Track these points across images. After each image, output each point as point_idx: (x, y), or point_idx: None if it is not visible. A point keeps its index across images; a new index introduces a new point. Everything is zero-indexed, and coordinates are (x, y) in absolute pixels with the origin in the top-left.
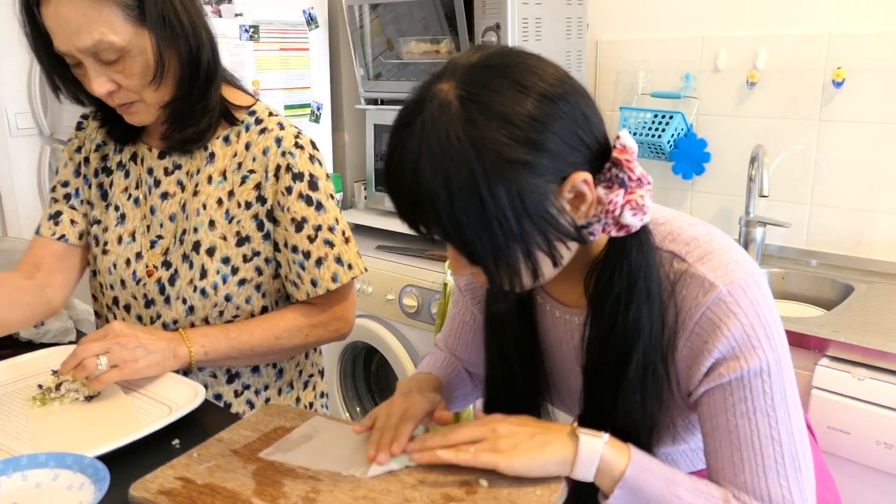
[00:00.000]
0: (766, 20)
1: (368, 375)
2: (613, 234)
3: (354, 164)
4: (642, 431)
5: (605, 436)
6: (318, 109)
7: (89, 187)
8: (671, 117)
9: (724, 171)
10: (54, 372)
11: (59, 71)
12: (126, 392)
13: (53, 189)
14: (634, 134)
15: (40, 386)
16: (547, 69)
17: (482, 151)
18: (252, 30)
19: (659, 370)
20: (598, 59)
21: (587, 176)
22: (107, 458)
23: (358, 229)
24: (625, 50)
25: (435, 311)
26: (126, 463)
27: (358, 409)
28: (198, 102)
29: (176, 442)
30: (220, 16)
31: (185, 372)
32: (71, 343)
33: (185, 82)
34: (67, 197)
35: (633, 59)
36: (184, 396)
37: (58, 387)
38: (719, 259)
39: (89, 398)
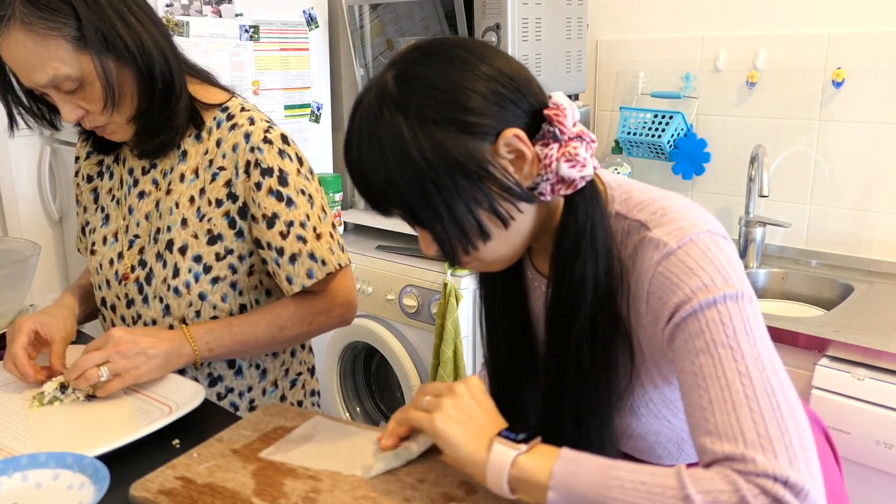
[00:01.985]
0: (766, 20)
1: (368, 375)
2: (563, 192)
3: None
4: (601, 390)
5: (523, 446)
6: (318, 109)
7: (83, 192)
8: (671, 117)
9: (724, 171)
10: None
11: (32, 98)
12: (126, 392)
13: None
14: (634, 134)
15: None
16: (478, 47)
17: (408, 114)
18: (252, 30)
19: (608, 326)
20: (598, 59)
21: (518, 132)
22: (107, 458)
23: (358, 229)
24: (625, 50)
25: (435, 311)
26: (126, 463)
27: (358, 409)
28: (161, 114)
29: (176, 442)
30: (220, 16)
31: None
32: (73, 344)
33: (144, 98)
34: (79, 212)
35: (633, 59)
36: (184, 396)
37: (62, 388)
38: (674, 219)
39: (90, 398)
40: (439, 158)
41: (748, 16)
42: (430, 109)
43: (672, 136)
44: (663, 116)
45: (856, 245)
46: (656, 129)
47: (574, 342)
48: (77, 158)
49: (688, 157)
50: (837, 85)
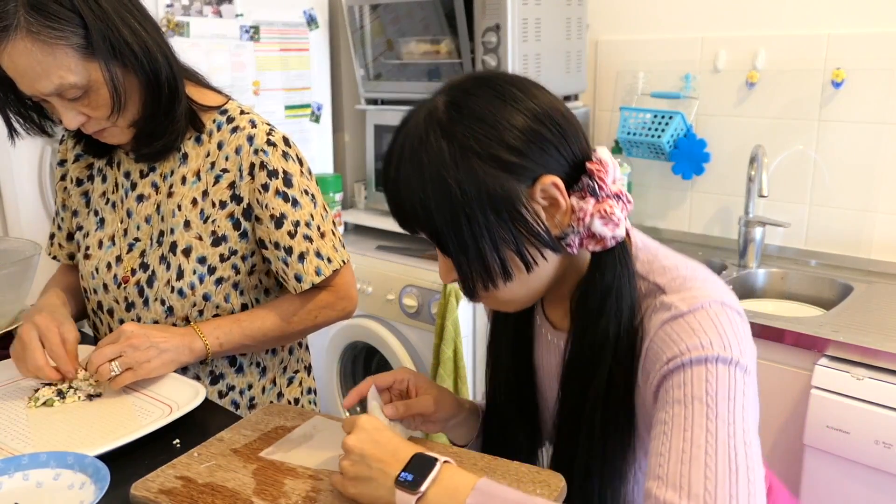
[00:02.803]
0: (766, 20)
1: (368, 375)
2: (591, 248)
3: (354, 164)
4: (608, 452)
5: (422, 486)
6: (319, 110)
7: (70, 196)
8: (671, 117)
9: (724, 171)
10: (50, 384)
11: (25, 106)
12: (127, 391)
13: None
14: (634, 134)
15: (38, 390)
16: (529, 86)
17: (452, 142)
18: (252, 30)
19: (623, 387)
20: (598, 59)
21: (557, 180)
22: (107, 458)
23: (358, 229)
24: (625, 50)
25: (435, 311)
26: (127, 462)
27: (358, 409)
28: (163, 120)
29: (176, 441)
30: (221, 16)
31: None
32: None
33: (149, 104)
34: (56, 214)
35: (633, 59)
36: (184, 396)
37: (60, 393)
38: (692, 287)
39: (91, 397)
40: (475, 191)
41: (748, 16)
42: (475, 141)
43: (672, 136)
44: (663, 116)
45: (855, 245)
46: (656, 130)
47: (590, 402)
48: (63, 162)
49: (687, 157)
50: (837, 85)
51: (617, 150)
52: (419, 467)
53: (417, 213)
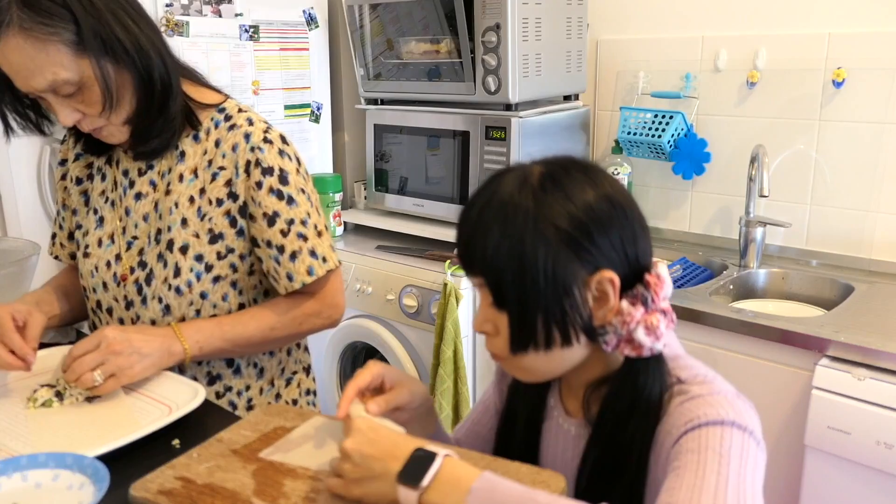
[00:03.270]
0: (766, 20)
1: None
2: (626, 352)
3: (354, 164)
4: None
5: (424, 482)
6: (318, 109)
7: (70, 196)
8: (671, 117)
9: (725, 171)
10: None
11: (22, 104)
12: (126, 392)
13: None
14: (634, 134)
15: (36, 390)
16: (617, 183)
17: (539, 209)
18: (252, 30)
19: (643, 488)
20: (598, 59)
21: (615, 278)
22: (107, 458)
23: (358, 229)
24: (625, 50)
25: (435, 311)
26: (126, 463)
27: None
28: (158, 118)
29: (176, 442)
30: (220, 15)
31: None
32: (71, 343)
33: (143, 101)
34: (58, 213)
35: (633, 59)
36: (184, 396)
37: (58, 395)
38: (711, 382)
39: (90, 399)
40: (544, 260)
41: (748, 16)
42: (558, 217)
43: (672, 136)
44: (663, 116)
45: (856, 245)
46: (656, 129)
47: (609, 496)
48: (63, 161)
49: (688, 157)
50: (837, 85)
51: (617, 149)
52: (420, 461)
53: (484, 258)
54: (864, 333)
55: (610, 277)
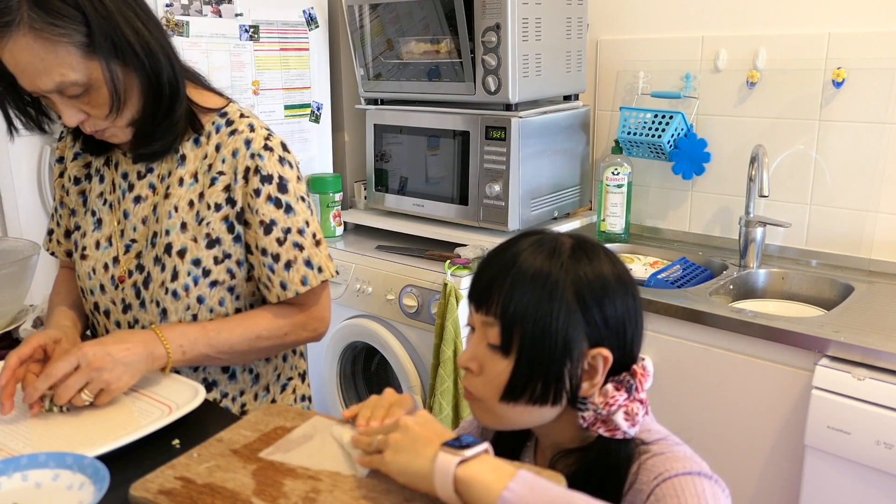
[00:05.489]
0: (766, 20)
1: (368, 375)
2: (601, 431)
3: (354, 164)
4: None
5: (467, 452)
6: (318, 109)
7: (68, 194)
8: (671, 117)
9: (724, 171)
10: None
11: (23, 102)
12: (126, 392)
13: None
14: (634, 134)
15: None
16: (633, 280)
17: (566, 276)
18: (252, 30)
19: None
20: (598, 59)
21: (609, 356)
22: (107, 458)
23: (358, 229)
24: (625, 50)
25: (435, 311)
26: (126, 463)
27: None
28: (163, 121)
29: (176, 442)
30: (220, 15)
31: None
32: None
33: (149, 104)
34: (55, 210)
35: (633, 59)
36: (184, 396)
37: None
38: (675, 446)
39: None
40: (557, 322)
41: (748, 16)
42: (580, 285)
43: (672, 136)
44: (663, 116)
45: (856, 245)
46: (656, 129)
47: None
48: (61, 159)
49: (688, 157)
50: (837, 85)
51: (617, 149)
52: (468, 444)
53: (504, 301)
54: (863, 333)
55: (605, 355)
